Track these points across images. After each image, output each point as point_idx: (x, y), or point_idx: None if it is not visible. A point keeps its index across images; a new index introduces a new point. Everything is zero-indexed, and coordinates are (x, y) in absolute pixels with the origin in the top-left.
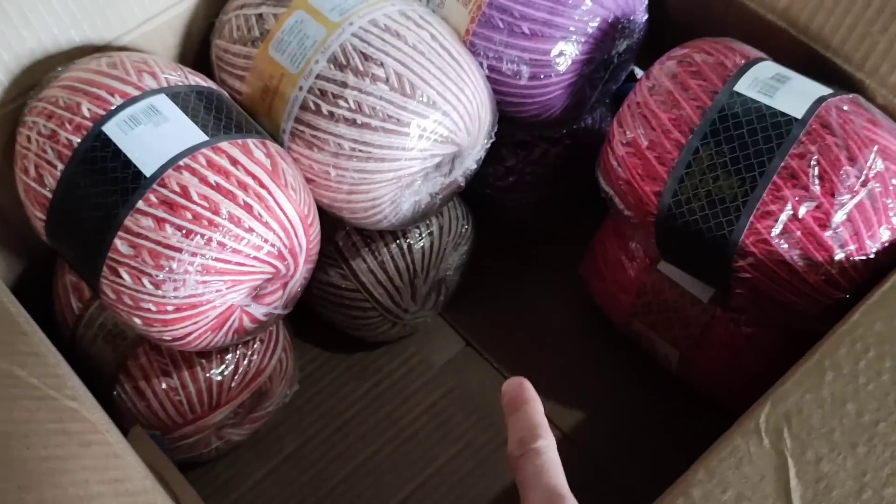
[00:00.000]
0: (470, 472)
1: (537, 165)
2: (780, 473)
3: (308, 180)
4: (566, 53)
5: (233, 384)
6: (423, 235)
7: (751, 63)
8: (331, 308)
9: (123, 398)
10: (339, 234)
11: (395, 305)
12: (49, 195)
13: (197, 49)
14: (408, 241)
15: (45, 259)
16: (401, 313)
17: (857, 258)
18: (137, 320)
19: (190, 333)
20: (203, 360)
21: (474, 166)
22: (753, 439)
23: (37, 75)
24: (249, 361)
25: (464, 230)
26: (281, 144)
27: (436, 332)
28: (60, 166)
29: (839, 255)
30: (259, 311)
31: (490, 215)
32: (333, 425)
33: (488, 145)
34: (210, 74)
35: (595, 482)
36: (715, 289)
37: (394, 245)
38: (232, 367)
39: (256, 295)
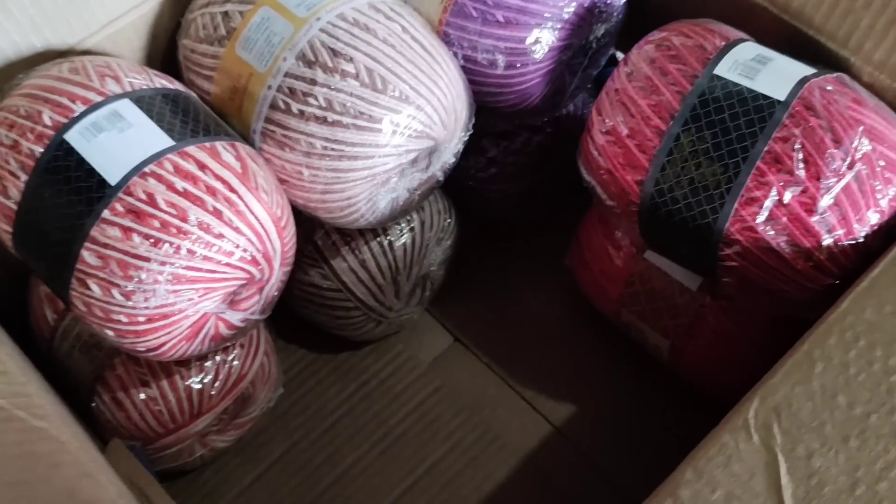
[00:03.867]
0: (460, 471)
1: (519, 155)
2: (771, 470)
3: (281, 181)
4: (542, 40)
5: (213, 391)
6: (405, 231)
7: (731, 45)
8: (313, 309)
9: (102, 409)
10: (318, 233)
11: (379, 304)
12: (14, 207)
13: (164, 50)
14: (389, 238)
15: (19, 271)
16: (385, 311)
17: (845, 243)
18: (110, 332)
19: (164, 344)
20: (182, 369)
21: (452, 160)
22: (742, 436)
23: None
24: (230, 367)
25: (446, 224)
26: (252, 145)
27: (423, 328)
28: (24, 177)
29: (827, 241)
30: (235, 317)
31: (473, 207)
32: (320, 428)
33: (466, 138)
34: (178, 76)
35: (585, 475)
36: (703, 277)
37: (374, 243)
38: (212, 374)
39: (232, 301)
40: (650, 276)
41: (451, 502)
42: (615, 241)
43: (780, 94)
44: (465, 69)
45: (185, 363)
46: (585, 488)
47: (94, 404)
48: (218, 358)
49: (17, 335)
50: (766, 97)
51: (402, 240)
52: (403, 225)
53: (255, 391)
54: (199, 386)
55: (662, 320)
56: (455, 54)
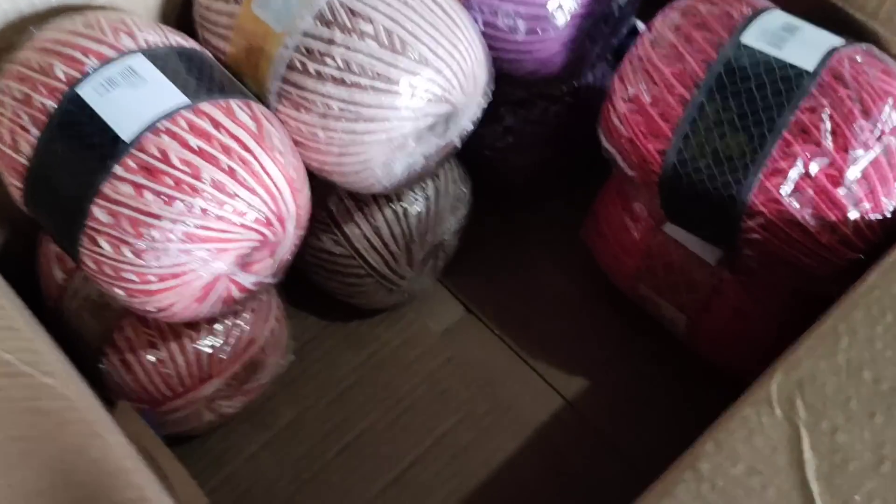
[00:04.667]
0: (470, 443)
1: (537, 125)
2: (794, 445)
3: (296, 143)
4: (564, 7)
5: (223, 356)
6: (419, 199)
7: (758, 13)
8: (325, 275)
9: (110, 372)
10: (331, 198)
11: (391, 272)
12: (25, 162)
13: (179, 8)
14: (403, 205)
15: (27, 230)
16: (397, 280)
17: (872, 217)
18: (120, 291)
19: (174, 304)
20: (192, 332)
21: (470, 126)
22: (765, 410)
23: (10, 38)
24: (241, 332)
25: (461, 193)
26: (267, 106)
27: (434, 298)
28: (35, 132)
29: (853, 214)
30: (247, 279)
31: (489, 177)
32: (329, 396)
33: (484, 104)
34: (193, 35)
35: (598, 450)
36: (723, 251)
37: (388, 209)
38: (222, 338)
39: (244, 263)
40: (668, 250)
41: (460, 474)
42: (633, 214)
43: (809, 63)
44: (484, 34)
45: (195, 326)
46: (596, 463)
47: (101, 366)
48: (229, 322)
49: (25, 295)
50: (793, 67)
51: (417, 207)
52: (418, 192)
53: (265, 357)
54: (209, 350)
55: (679, 295)
56: (475, 19)
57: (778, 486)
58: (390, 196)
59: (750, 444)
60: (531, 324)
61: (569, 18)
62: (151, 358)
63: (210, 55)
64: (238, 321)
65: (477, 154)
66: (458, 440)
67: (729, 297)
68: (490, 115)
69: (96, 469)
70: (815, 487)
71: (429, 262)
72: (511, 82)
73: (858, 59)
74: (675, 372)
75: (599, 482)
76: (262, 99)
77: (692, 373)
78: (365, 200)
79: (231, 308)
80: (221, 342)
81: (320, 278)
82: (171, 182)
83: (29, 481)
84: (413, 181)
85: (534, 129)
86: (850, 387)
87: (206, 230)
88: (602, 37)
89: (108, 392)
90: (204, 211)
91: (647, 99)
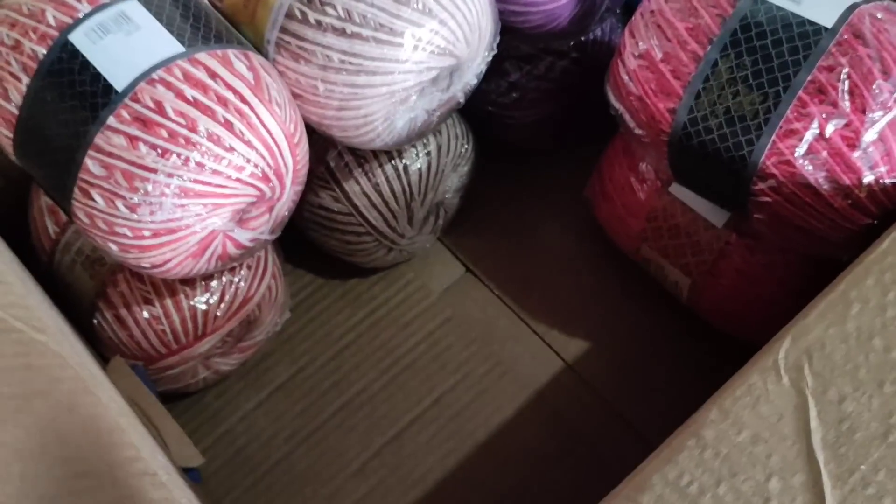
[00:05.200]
0: (468, 403)
1: (542, 80)
2: (800, 413)
3: (295, 96)
4: None
5: (219, 313)
6: (421, 155)
7: None
8: (323, 232)
9: (104, 327)
10: (330, 153)
11: (391, 230)
12: (15, 111)
13: None
14: (404, 161)
15: (20, 182)
16: (397, 238)
17: (887, 181)
18: (113, 246)
19: (169, 260)
20: (187, 288)
21: (474, 81)
22: (771, 377)
23: None
24: (236, 289)
25: (464, 150)
26: (265, 56)
27: (434, 257)
28: (26, 79)
29: (868, 178)
30: (244, 236)
31: (492, 134)
32: (327, 355)
33: (489, 58)
34: None
35: (597, 412)
36: (731, 213)
37: (389, 166)
38: (218, 294)
39: (240, 219)
40: (674, 211)
41: (459, 434)
42: (639, 174)
43: (828, 20)
44: None
45: (190, 282)
46: (595, 424)
47: (95, 321)
48: (224, 278)
49: (18, 248)
50: (812, 23)
51: (418, 164)
52: (419, 149)
53: (261, 314)
54: (204, 306)
55: (684, 257)
56: None
57: (783, 454)
58: (391, 152)
59: (755, 412)
60: (532, 284)
61: None
62: (146, 314)
63: (206, 2)
64: (234, 278)
65: (480, 110)
66: (457, 401)
67: (735, 261)
68: (494, 70)
69: (89, 427)
70: (820, 456)
71: (429, 220)
72: (516, 36)
73: (880, 15)
74: (676, 334)
75: (598, 443)
76: (259, 49)
77: (693, 335)
78: (365, 156)
79: (227, 265)
80: (217, 299)
81: (318, 235)
82: (165, 134)
83: (21, 439)
84: (415, 137)
85: (539, 85)
86: (860, 355)
87: (202, 185)
88: None
89: (102, 348)
90: (200, 165)
91: (658, 55)
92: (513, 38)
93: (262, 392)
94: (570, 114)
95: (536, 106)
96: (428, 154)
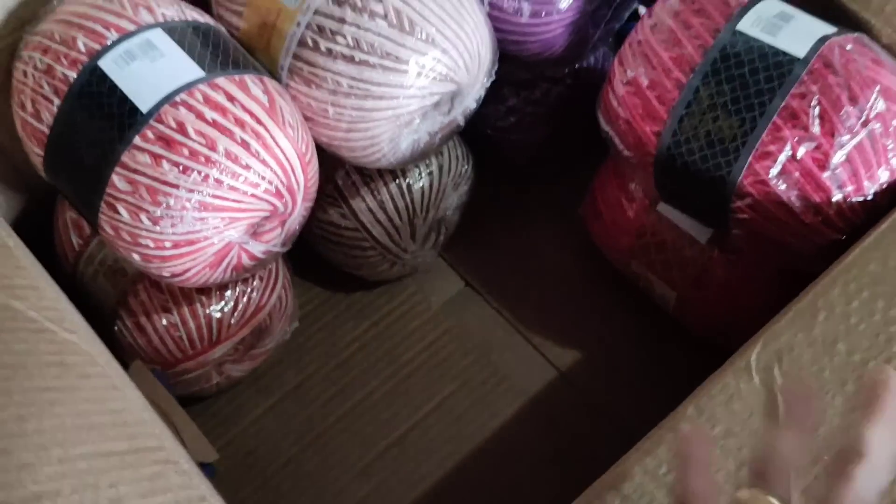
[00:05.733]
0: (467, 409)
1: (538, 105)
2: (769, 410)
3: (306, 118)
4: None
5: (232, 321)
6: (423, 175)
7: (754, 1)
8: (330, 247)
9: (124, 333)
10: (338, 173)
11: (395, 244)
12: (46, 130)
13: None
14: (407, 180)
15: (46, 196)
16: (400, 252)
17: (854, 199)
18: (136, 256)
19: (188, 270)
20: (203, 297)
21: (474, 105)
22: (744, 377)
23: (34, 8)
24: (249, 298)
25: (464, 170)
26: (279, 81)
27: (436, 271)
28: (57, 101)
29: (837, 197)
30: (257, 248)
31: (491, 155)
32: (333, 363)
33: (488, 84)
34: (209, 10)
35: (590, 419)
36: (713, 230)
37: (393, 184)
38: (231, 303)
39: (255, 232)
40: (661, 228)
41: (457, 438)
42: (629, 193)
43: (800, 51)
44: (491, 16)
45: (206, 292)
46: (588, 430)
47: (116, 328)
48: (238, 289)
49: (42, 259)
50: (786, 54)
51: (420, 183)
52: (422, 168)
53: (271, 323)
54: (218, 314)
55: (671, 272)
56: (482, 1)
57: (753, 447)
58: (395, 172)
59: (728, 408)
60: (528, 298)
61: (572, 2)
62: (164, 321)
63: (224, 31)
64: (247, 288)
65: (480, 133)
66: (456, 407)
67: (718, 275)
68: (493, 96)
69: (117, 420)
70: None
71: (431, 236)
72: (514, 63)
73: (849, 47)
74: (665, 346)
75: (589, 446)
76: (273, 75)
77: (681, 347)
78: (371, 175)
79: (241, 275)
80: (231, 308)
81: (326, 250)
82: (187, 152)
83: (57, 427)
84: (418, 158)
85: (535, 110)
86: (825, 357)
87: (220, 199)
88: (604, 21)
89: (122, 354)
90: (218, 181)
91: (644, 82)
92: (511, 64)
93: (271, 398)
94: (566, 136)
95: (533, 129)
96: (430, 174)
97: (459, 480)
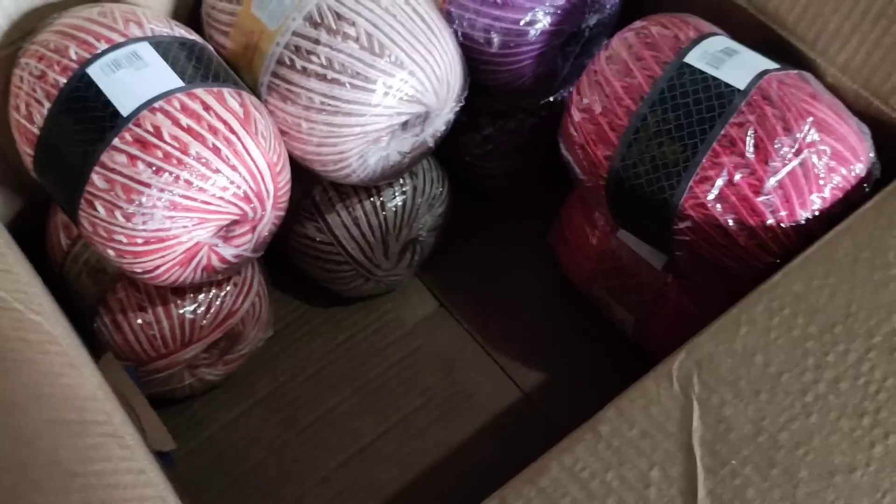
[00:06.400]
0: (432, 423)
1: (513, 135)
2: (685, 415)
3: (282, 132)
4: (536, 23)
5: (204, 322)
6: (398, 194)
7: (703, 37)
8: (307, 260)
9: (102, 330)
10: (316, 188)
11: (368, 260)
12: (37, 132)
13: (191, 6)
14: (382, 198)
15: (41, 201)
16: (373, 269)
17: (787, 224)
18: (111, 251)
19: (159, 266)
20: (177, 298)
21: (444, 128)
22: (664, 383)
23: (34, 21)
24: (222, 302)
25: (438, 192)
26: (259, 98)
27: (411, 291)
28: (48, 105)
29: (770, 221)
30: (228, 251)
31: (468, 181)
32: (306, 373)
33: (458, 109)
34: (201, 32)
35: (551, 438)
36: (662, 253)
37: (368, 202)
38: (204, 306)
39: (226, 236)
40: (621, 254)
41: (419, 450)
42: (592, 221)
43: (741, 83)
44: (463, 46)
45: (180, 293)
46: (547, 448)
47: (95, 325)
48: (212, 292)
49: (35, 260)
50: (727, 85)
51: (395, 202)
52: (396, 188)
53: (244, 329)
54: (191, 316)
55: (629, 296)
56: (455, 31)
57: (665, 448)
58: (370, 190)
59: (647, 412)
60: (498, 319)
61: (539, 35)
62: (139, 320)
63: (211, 48)
64: (220, 292)
65: (458, 160)
66: (420, 421)
67: (672, 300)
68: (470, 125)
69: (69, 393)
70: (698, 451)
71: (405, 256)
72: (491, 95)
73: (787, 81)
74: (627, 369)
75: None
76: (254, 91)
77: (641, 369)
78: (346, 192)
79: (213, 276)
80: (203, 310)
81: (303, 263)
82: (161, 154)
83: (6, 393)
84: (389, 176)
85: (510, 139)
86: (742, 368)
87: (190, 200)
88: (573, 55)
89: (100, 350)
90: (188, 182)
91: (598, 109)
92: (487, 96)
93: (243, 404)
94: (539, 166)
95: (508, 158)
96: (404, 193)
97: (418, 490)
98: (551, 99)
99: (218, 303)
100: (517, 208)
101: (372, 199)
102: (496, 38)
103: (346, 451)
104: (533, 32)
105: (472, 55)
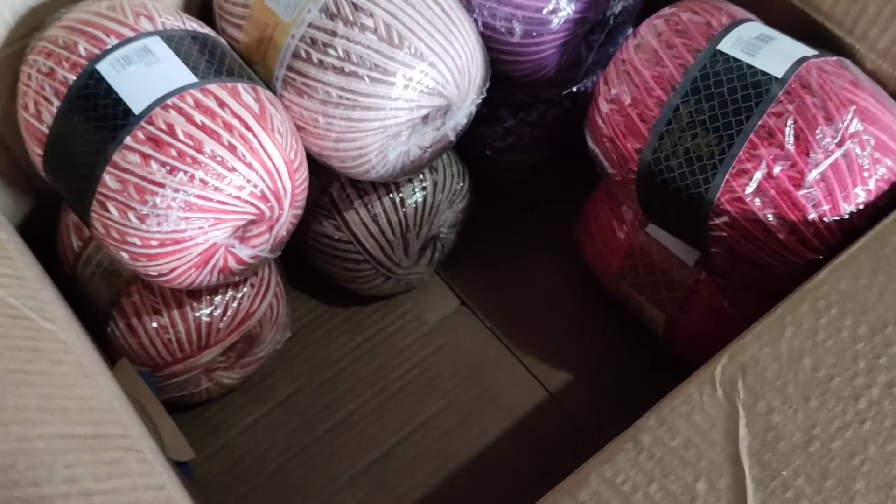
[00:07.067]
0: (454, 427)
1: (535, 127)
2: (731, 423)
3: (299, 128)
4: (559, 11)
5: (221, 325)
6: (417, 190)
7: (737, 23)
8: (326, 260)
9: (116, 334)
10: (333, 185)
11: (388, 259)
12: (46, 131)
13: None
14: (401, 195)
15: (52, 202)
16: (393, 267)
17: (830, 219)
18: (124, 254)
19: (174, 269)
20: (193, 301)
21: (465, 122)
22: (707, 389)
23: (42, 17)
24: (239, 304)
25: (459, 187)
26: (274, 92)
27: (431, 289)
28: (57, 103)
29: (812, 215)
30: (245, 252)
31: (489, 176)
32: (324, 376)
33: (479, 101)
34: (213, 25)
35: (577, 440)
36: (695, 249)
37: (387, 198)
38: (221, 308)
39: (242, 237)
40: (650, 250)
41: (443, 455)
42: (620, 216)
43: (778, 71)
44: (483, 36)
45: (196, 295)
46: (575, 451)
47: (109, 329)
48: (228, 294)
49: (46, 261)
50: (764, 73)
51: (414, 198)
52: (416, 184)
53: (262, 331)
54: (207, 318)
55: (659, 294)
56: (476, 20)
57: (711, 458)
58: (390, 186)
59: (690, 420)
60: (521, 318)
61: (563, 23)
62: (154, 323)
63: (224, 42)
64: (237, 294)
65: (478, 153)
66: (443, 424)
67: (704, 297)
68: (491, 117)
69: (84, 405)
70: (746, 462)
71: (425, 253)
72: (512, 85)
73: (827, 68)
74: (655, 369)
75: (575, 468)
76: (269, 85)
77: (671, 370)
78: (365, 188)
79: (229, 278)
80: (220, 312)
81: (321, 263)
82: (175, 153)
83: (21, 408)
84: (409, 172)
85: (532, 132)
86: (790, 372)
87: (205, 200)
88: (597, 44)
89: (114, 354)
90: (203, 182)
91: (627, 100)
92: (508, 86)
93: (262, 407)
94: (562, 158)
95: (530, 150)
96: (424, 189)
97: (442, 496)
98: (574, 89)
99: (235, 305)
100: (539, 202)
101: (391, 195)
102: (518, 28)
103: (367, 456)
104: (556, 21)
105: (493, 45)
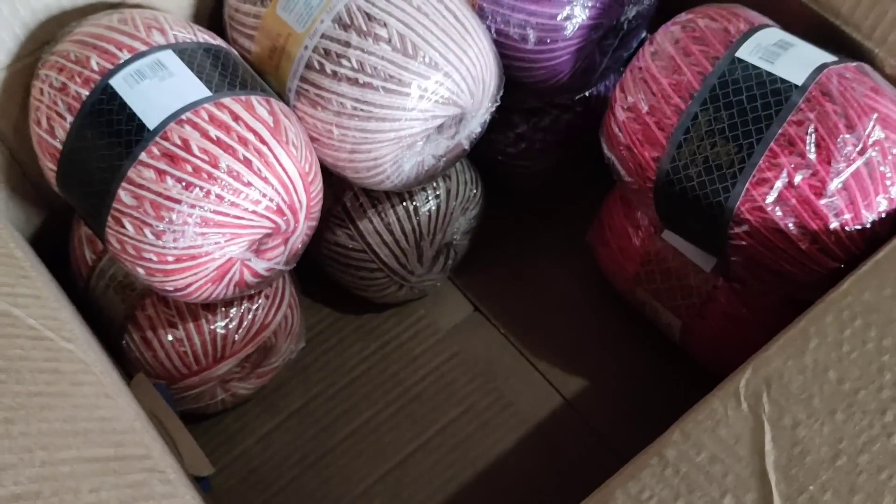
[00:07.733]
0: (471, 434)
1: (548, 132)
2: (756, 437)
3: (312, 139)
4: (573, 17)
5: (237, 337)
6: (430, 198)
7: (755, 29)
8: (339, 268)
9: (131, 347)
10: (346, 194)
11: (402, 267)
12: (59, 146)
13: (211, 9)
14: (415, 203)
15: (63, 213)
16: (407, 275)
17: (852, 228)
18: (140, 270)
19: (191, 284)
20: (208, 314)
21: (479, 130)
22: (731, 403)
23: (52, 30)
24: (254, 316)
25: (472, 194)
26: (287, 103)
27: (445, 296)
28: (70, 118)
29: (834, 224)
30: (260, 265)
31: (501, 181)
32: (339, 384)
33: (493, 109)
34: (223, 35)
35: (595, 448)
36: (713, 256)
37: (400, 207)
38: (236, 320)
39: (257, 249)
40: (666, 256)
41: (460, 462)
42: (635, 221)
43: (798, 78)
44: (497, 43)
45: (211, 308)
46: (592, 458)
47: (123, 342)
48: (243, 306)
49: (58, 274)
50: (784, 81)
51: (428, 206)
52: (429, 192)
53: (277, 342)
54: (223, 331)
55: (675, 300)
56: (488, 28)
57: (737, 473)
58: (403, 194)
59: (715, 435)
60: (536, 324)
61: (577, 29)
62: (170, 336)
63: (236, 53)
64: (252, 306)
65: (490, 159)
66: (460, 432)
67: (721, 304)
68: (503, 122)
69: (106, 427)
70: (772, 477)
71: (439, 260)
72: (523, 91)
73: (848, 75)
74: (670, 375)
75: (592, 475)
76: (281, 96)
77: (687, 376)
78: (378, 197)
79: (245, 291)
80: (236, 325)
81: (335, 271)
82: (190, 169)
83: (44, 432)
84: (423, 181)
85: (545, 137)
86: (815, 385)
87: (222, 215)
88: (611, 49)
89: (129, 367)
90: (220, 197)
91: (644, 108)
92: (520, 92)
93: (277, 417)
94: (575, 163)
95: (542, 156)
96: (437, 197)
97: None
98: (587, 94)
99: (250, 316)
100: (552, 208)
101: (404, 203)
102: (532, 35)
103: (383, 464)
104: (570, 27)
105: (507, 52)
